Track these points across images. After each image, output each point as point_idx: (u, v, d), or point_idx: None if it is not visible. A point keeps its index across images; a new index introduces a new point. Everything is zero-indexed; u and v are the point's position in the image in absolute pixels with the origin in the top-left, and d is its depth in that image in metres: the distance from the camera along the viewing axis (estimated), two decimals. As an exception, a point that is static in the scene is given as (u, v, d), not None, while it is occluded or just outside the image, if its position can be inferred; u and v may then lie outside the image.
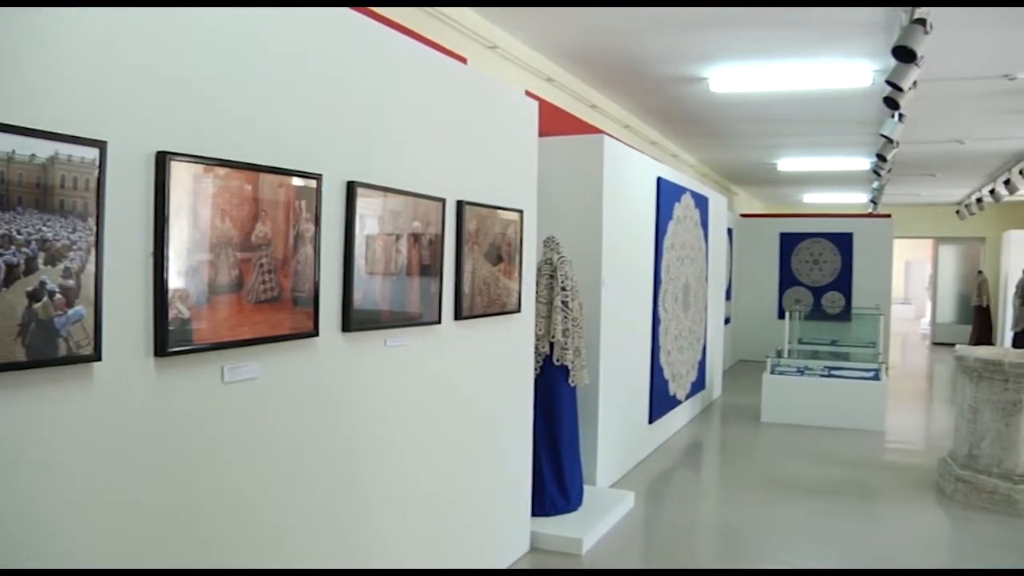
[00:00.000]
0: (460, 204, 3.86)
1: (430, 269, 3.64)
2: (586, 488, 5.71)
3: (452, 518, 4.02)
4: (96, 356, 2.13)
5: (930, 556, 5.30)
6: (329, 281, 3.04)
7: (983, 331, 17.52)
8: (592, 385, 6.01)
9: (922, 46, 5.32)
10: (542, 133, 5.03)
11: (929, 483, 6.77)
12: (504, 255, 4.29)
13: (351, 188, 3.11)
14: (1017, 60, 7.21)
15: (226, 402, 2.62)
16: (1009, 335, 15.64)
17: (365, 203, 3.18)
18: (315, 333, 2.95)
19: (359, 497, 3.29)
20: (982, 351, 6.64)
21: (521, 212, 4.48)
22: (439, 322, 3.75)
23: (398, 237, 3.42)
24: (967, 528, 5.81)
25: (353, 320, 3.15)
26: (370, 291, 3.26)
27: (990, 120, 9.90)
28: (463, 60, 5.52)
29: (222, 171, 2.51)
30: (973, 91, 8.36)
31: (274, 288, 2.74)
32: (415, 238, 3.53)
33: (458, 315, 3.89)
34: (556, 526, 5.14)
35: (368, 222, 3.22)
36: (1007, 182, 12.84)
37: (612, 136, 6.97)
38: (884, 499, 6.54)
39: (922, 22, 5.26)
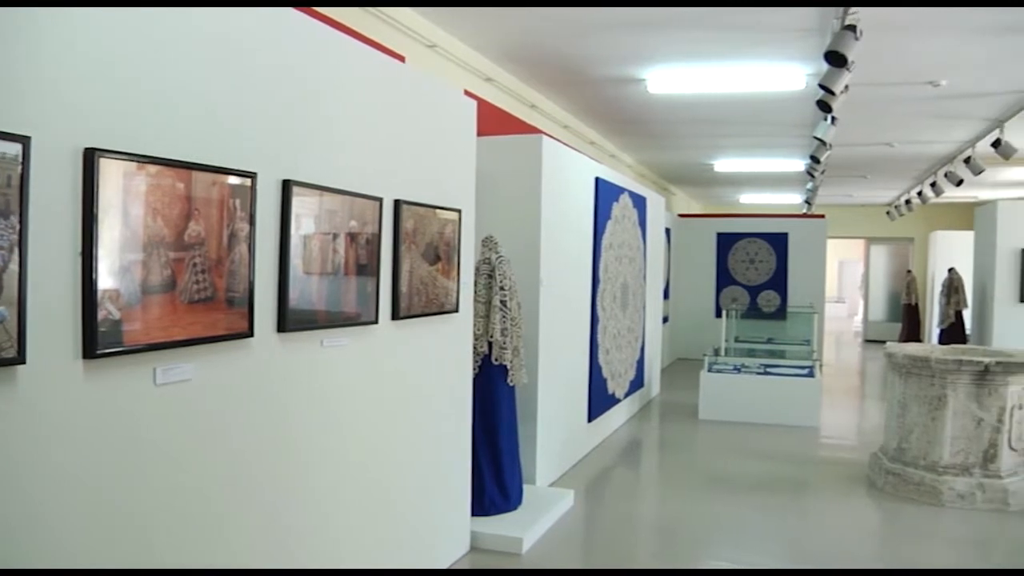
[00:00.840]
0: (397, 203, 3.84)
1: (367, 269, 3.62)
2: (526, 487, 5.73)
3: (391, 519, 4.00)
4: (20, 359, 2.07)
5: (862, 547, 5.45)
6: (264, 281, 3.00)
7: (912, 328, 18.00)
8: (531, 384, 6.03)
9: (853, 51, 5.46)
10: (481, 133, 5.04)
11: (861, 477, 6.95)
12: (442, 255, 4.29)
13: (286, 187, 3.08)
14: (941, 68, 7.44)
15: (159, 405, 2.57)
16: (936, 332, 16.10)
17: (301, 202, 3.15)
18: (250, 333, 2.91)
19: (298, 498, 3.26)
20: (910, 348, 6.83)
21: (459, 211, 4.48)
22: (376, 322, 3.73)
23: (335, 236, 3.40)
24: (896, 519, 5.98)
25: (289, 320, 3.12)
26: (306, 291, 3.23)
27: (917, 124, 10.19)
28: (402, 59, 5.48)
29: (153, 169, 2.46)
30: (901, 96, 8.60)
31: (208, 288, 2.71)
32: (352, 237, 3.50)
33: (395, 315, 3.88)
34: (496, 525, 5.15)
35: (304, 221, 3.19)
36: (933, 184, 13.21)
37: (551, 136, 7.00)
38: (818, 493, 6.68)
39: (852, 28, 5.40)
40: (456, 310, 4.52)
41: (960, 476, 6.23)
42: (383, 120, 3.82)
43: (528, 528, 5.15)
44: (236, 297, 2.83)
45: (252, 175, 2.87)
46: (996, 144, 9.27)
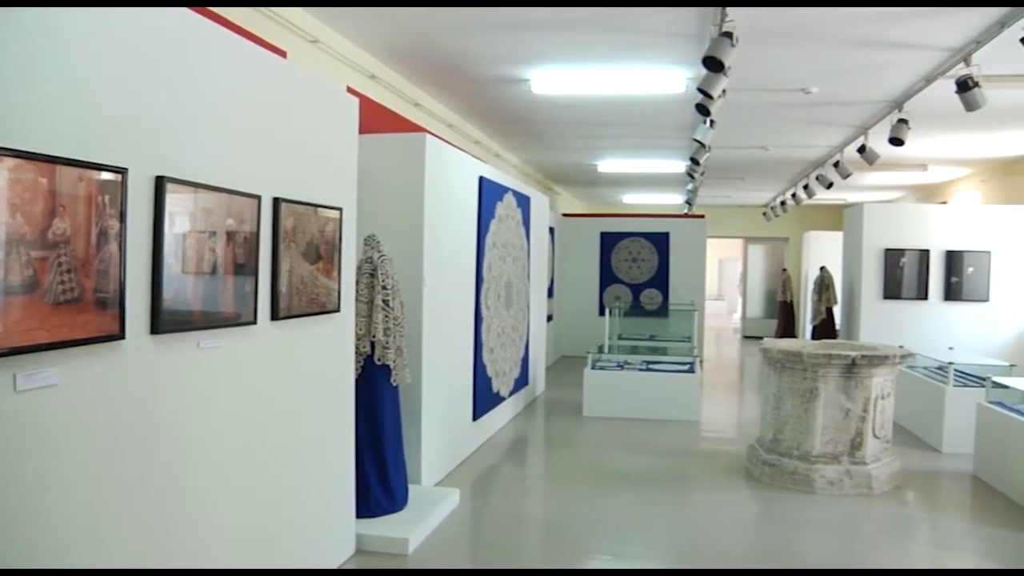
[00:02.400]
0: (277, 201, 3.77)
1: (245, 268, 3.54)
2: (411, 487, 5.71)
3: (273, 523, 3.92)
4: None
5: (740, 535, 5.66)
6: (136, 281, 2.90)
7: (787, 324, 18.73)
8: (415, 384, 6.01)
9: (730, 57, 5.65)
10: (364, 130, 4.99)
11: (739, 468, 7.19)
12: (323, 253, 4.23)
13: (160, 183, 2.98)
14: (811, 76, 7.78)
15: (20, 412, 2.45)
16: (809, 328, 16.77)
17: (175, 199, 3.06)
18: (121, 335, 2.81)
19: (175, 505, 3.16)
20: (784, 343, 7.11)
21: (341, 210, 4.43)
22: (255, 322, 3.65)
23: (211, 235, 3.31)
24: (772, 507, 6.22)
25: (163, 321, 3.02)
26: (182, 291, 3.14)
27: (790, 129, 10.60)
28: (283, 54, 5.38)
29: (11, 162, 2.34)
30: (775, 102, 8.93)
31: (75, 288, 2.59)
32: (229, 236, 3.42)
33: (275, 315, 3.80)
34: (382, 527, 5.13)
35: (179, 219, 3.10)
36: (806, 187, 13.77)
37: (435, 135, 6.99)
38: (699, 485, 6.88)
39: (729, 35, 5.59)
40: (338, 310, 4.46)
41: (830, 464, 6.53)
42: (262, 116, 3.74)
43: (414, 528, 5.13)
44: (106, 298, 2.73)
45: (123, 170, 2.77)
46: (862, 150, 9.72)
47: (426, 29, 6.58)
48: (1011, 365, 8.64)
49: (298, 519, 4.19)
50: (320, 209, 4.20)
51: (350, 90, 5.83)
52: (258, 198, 3.61)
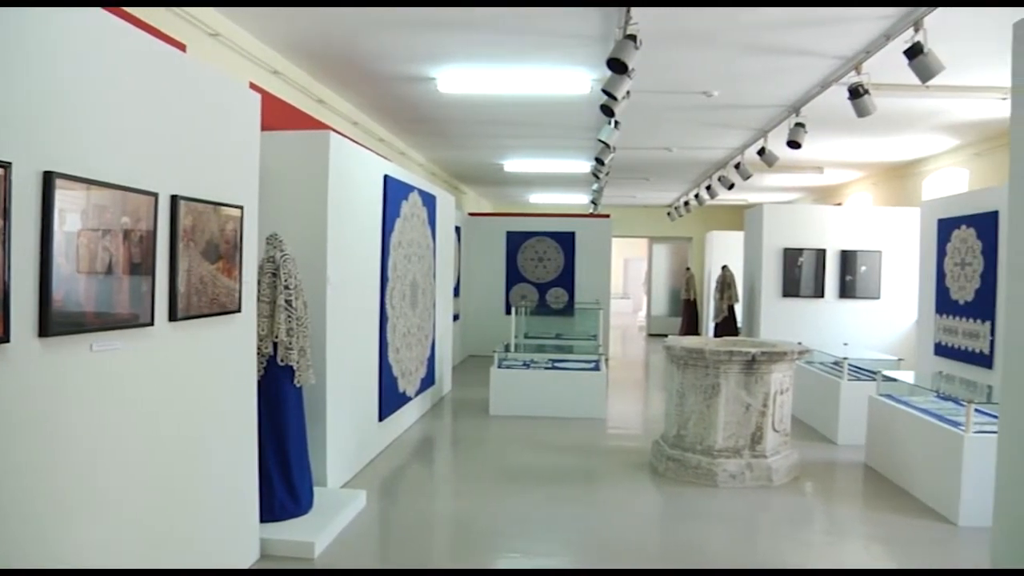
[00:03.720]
0: (175, 199, 3.64)
1: (141, 268, 3.41)
2: (317, 490, 5.63)
3: (175, 529, 3.79)
4: None
5: (646, 529, 5.73)
6: (22, 281, 2.75)
7: (691, 322, 19.11)
8: (319, 385, 5.92)
9: (633, 60, 5.73)
10: (266, 127, 4.87)
11: (645, 463, 7.30)
12: (223, 253, 4.11)
13: (48, 179, 2.84)
14: (713, 80, 7.94)
15: None
16: (712, 325, 17.15)
17: (65, 196, 2.92)
18: (5, 339, 2.66)
19: (69, 512, 3.01)
20: (687, 341, 7.24)
21: (242, 208, 4.31)
22: (152, 324, 3.52)
23: (105, 233, 3.17)
24: (677, 501, 6.33)
25: (52, 323, 2.88)
26: (73, 292, 3.00)
27: (693, 131, 10.81)
28: (182, 47, 5.23)
29: None
30: (679, 104, 9.09)
31: (-46, 289, 2.45)
32: (125, 234, 3.29)
33: (173, 316, 3.67)
34: (287, 531, 5.03)
35: (70, 217, 2.96)
36: (709, 188, 14.06)
37: (339, 133, 6.88)
38: (606, 482, 6.95)
39: (633, 38, 5.66)
40: (239, 310, 4.35)
41: (732, 458, 6.69)
42: (160, 112, 3.60)
43: (320, 532, 5.05)
44: (-11, 299, 2.58)
45: (5, 165, 2.63)
46: (761, 152, 9.98)
47: (330, 25, 6.48)
48: (900, 359, 9.01)
49: (200, 524, 4.06)
50: (220, 207, 4.07)
51: (252, 86, 5.71)
52: (155, 195, 3.48)
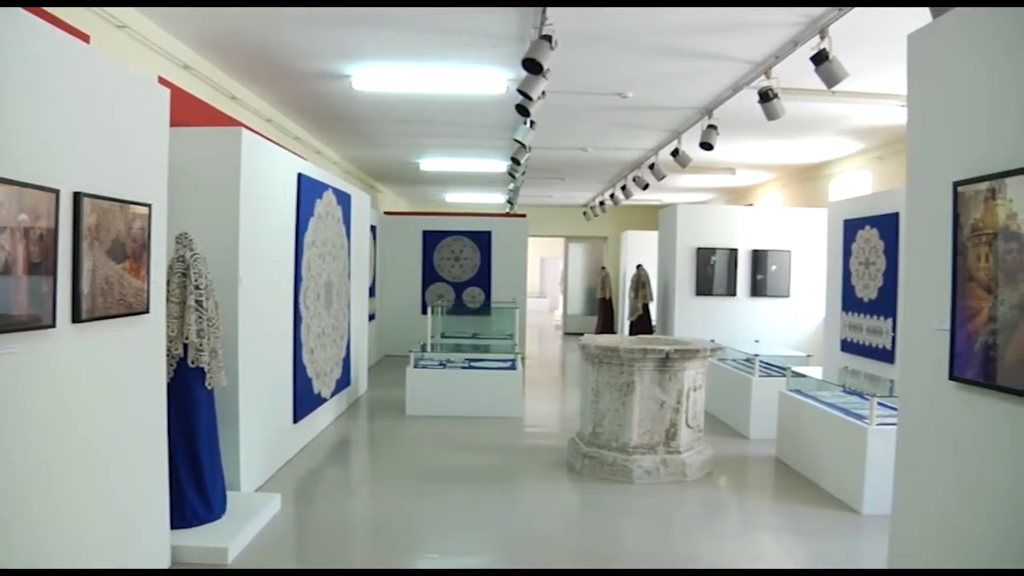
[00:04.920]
0: (77, 196, 3.51)
1: (41, 267, 3.27)
2: (230, 494, 5.51)
3: (80, 537, 3.65)
4: None
5: (564, 527, 5.77)
6: (-88, 281, 2.62)
7: (607, 321, 19.30)
8: (232, 387, 5.79)
9: (548, 60, 5.76)
10: (176, 123, 4.74)
11: (561, 461, 7.35)
12: (130, 252, 3.98)
13: (-61, 175, 2.71)
14: (627, 81, 8.04)
15: None
16: (627, 324, 17.36)
17: (-41, 192, 2.79)
18: None
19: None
20: (602, 339, 7.31)
21: (149, 206, 4.18)
22: (54, 325, 3.38)
23: (1, 231, 3.03)
24: (593, 498, 6.39)
25: (-55, 326, 2.75)
26: (-33, 292, 2.86)
27: (608, 132, 10.92)
28: (85, 37, 5.05)
29: None
30: (594, 105, 9.17)
31: None
32: (23, 232, 3.15)
33: (76, 317, 3.54)
34: (199, 537, 4.92)
35: (-37, 214, 2.83)
36: (624, 188, 14.23)
37: (252, 130, 6.75)
38: (523, 480, 6.97)
39: (548, 38, 5.69)
40: (147, 311, 4.22)
41: (647, 455, 6.78)
42: (60, 105, 3.46)
43: (233, 537, 4.95)
44: None
45: None
46: (675, 153, 10.15)
47: (242, 20, 6.34)
48: (808, 356, 9.27)
49: (107, 531, 3.92)
50: (127, 205, 3.95)
51: (161, 80, 5.56)
52: (56, 192, 3.34)
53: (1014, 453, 3.01)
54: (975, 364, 3.21)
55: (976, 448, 3.26)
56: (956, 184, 3.34)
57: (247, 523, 5.21)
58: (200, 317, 5.01)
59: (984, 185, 3.15)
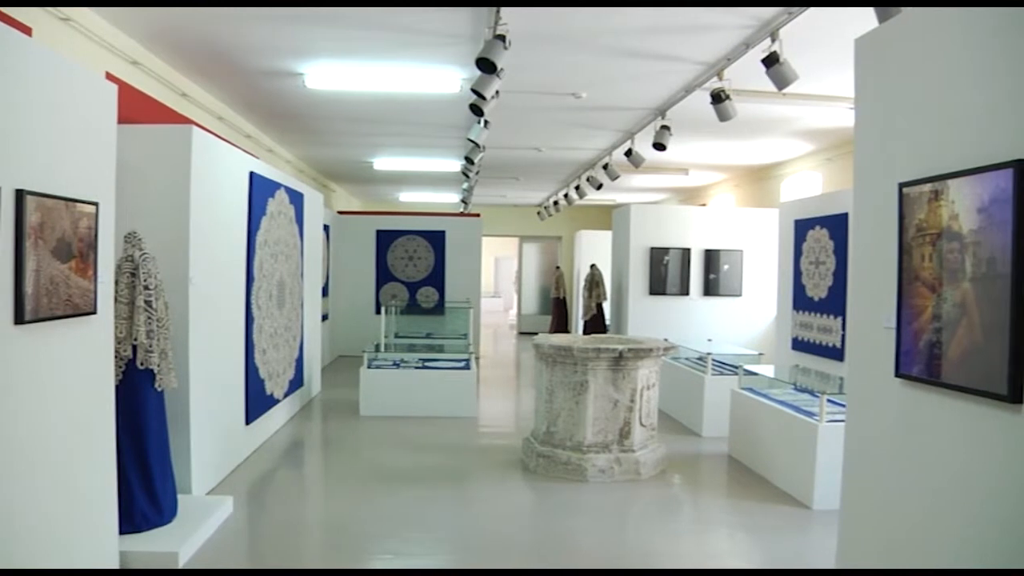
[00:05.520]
0: (20, 193, 3.43)
1: (-16, 267, 3.20)
2: (181, 497, 5.44)
3: (24, 546, 3.57)
4: None
5: (519, 526, 5.78)
6: None
7: (561, 320, 19.38)
8: (182, 388, 5.71)
9: (502, 60, 5.76)
10: (124, 120, 4.65)
11: (516, 461, 7.36)
12: (77, 251, 3.91)
13: None
14: (581, 82, 8.07)
15: None
16: (581, 323, 17.44)
17: None
18: None
19: None
20: (556, 339, 7.33)
21: (96, 204, 4.10)
22: (-3, 327, 3.31)
23: (-58, 230, 2.96)
24: (548, 497, 6.41)
25: None
26: (-95, 293, 2.79)
27: (562, 132, 10.95)
28: (27, 30, 4.94)
29: None
30: (548, 105, 9.19)
31: None
32: (-35, 232, 3.08)
33: (19, 319, 3.46)
34: (149, 542, 4.86)
35: (-99, 213, 2.75)
36: (578, 188, 14.28)
37: (203, 127, 6.66)
38: (478, 480, 6.97)
39: (502, 38, 5.69)
40: (94, 312, 4.14)
41: (601, 453, 6.82)
42: (2, 101, 3.39)
43: (184, 541, 4.89)
44: None
45: None
46: (628, 153, 10.20)
47: (192, 16, 6.23)
48: (760, 354, 9.39)
49: (52, 537, 3.84)
50: (73, 203, 3.87)
51: (109, 76, 5.47)
52: (-1, 190, 3.27)
53: (957, 448, 3.08)
54: (920, 361, 3.28)
55: (921, 444, 3.32)
56: (901, 185, 3.40)
57: (199, 527, 5.15)
58: (150, 318, 4.94)
59: (928, 187, 3.22)
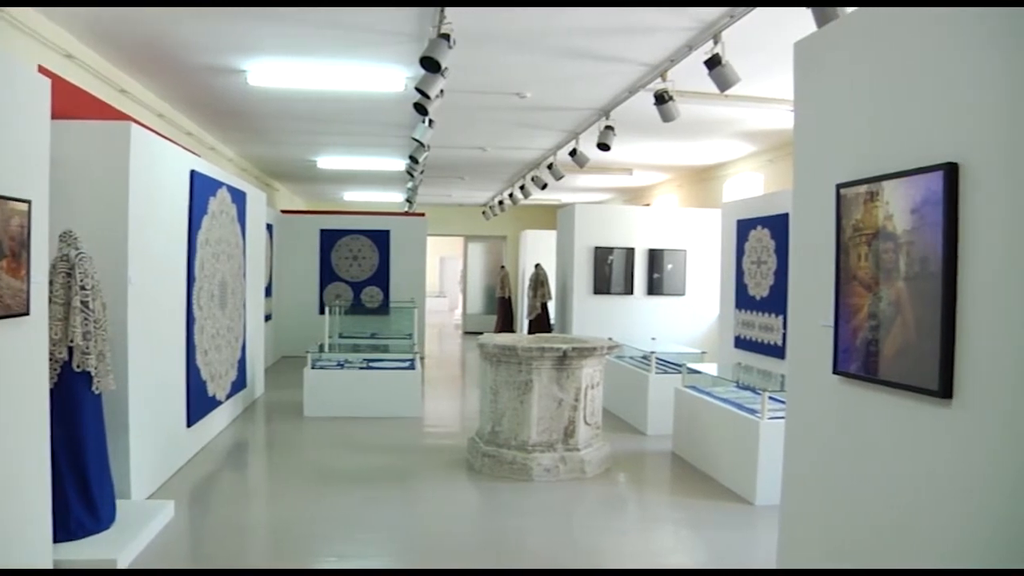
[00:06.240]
0: (-50, 192, 3.35)
1: (-88, 267, 3.10)
2: (120, 503, 5.33)
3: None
4: None
5: (464, 526, 5.78)
6: None
7: (506, 320, 19.40)
8: (121, 391, 5.59)
9: (447, 59, 5.75)
10: (59, 116, 4.55)
11: (461, 461, 7.36)
12: (8, 250, 3.80)
13: None
14: (526, 81, 8.08)
15: None
16: (525, 323, 17.48)
17: None
18: None
19: None
20: (500, 338, 7.34)
21: (29, 202, 4.00)
22: (-75, 329, 3.21)
23: None
24: (493, 497, 6.42)
25: None
26: None
27: (507, 131, 10.96)
28: (-45, 24, 4.80)
29: None
30: (493, 104, 9.19)
31: None
32: None
33: (-50, 320, 3.37)
34: (86, 549, 4.74)
35: None
36: (523, 187, 14.30)
37: (143, 124, 6.53)
38: (423, 480, 6.95)
39: (447, 37, 5.68)
40: (27, 313, 4.03)
41: (546, 452, 6.84)
42: (-70, 95, 3.29)
43: (123, 548, 4.79)
44: None
45: None
46: (573, 153, 10.25)
47: (130, 9, 6.10)
48: (703, 352, 9.51)
49: (-18, 547, 3.74)
50: (3, 201, 3.77)
51: (42, 70, 5.32)
52: (-73, 188, 3.18)
53: (893, 443, 3.15)
54: (857, 359, 3.35)
55: (858, 439, 3.39)
56: (839, 186, 3.47)
57: (138, 532, 5.05)
58: (86, 319, 4.83)
59: (864, 188, 3.29)
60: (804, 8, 4.77)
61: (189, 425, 7.18)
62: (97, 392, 4.99)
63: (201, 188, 7.43)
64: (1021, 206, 2.54)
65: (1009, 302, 2.58)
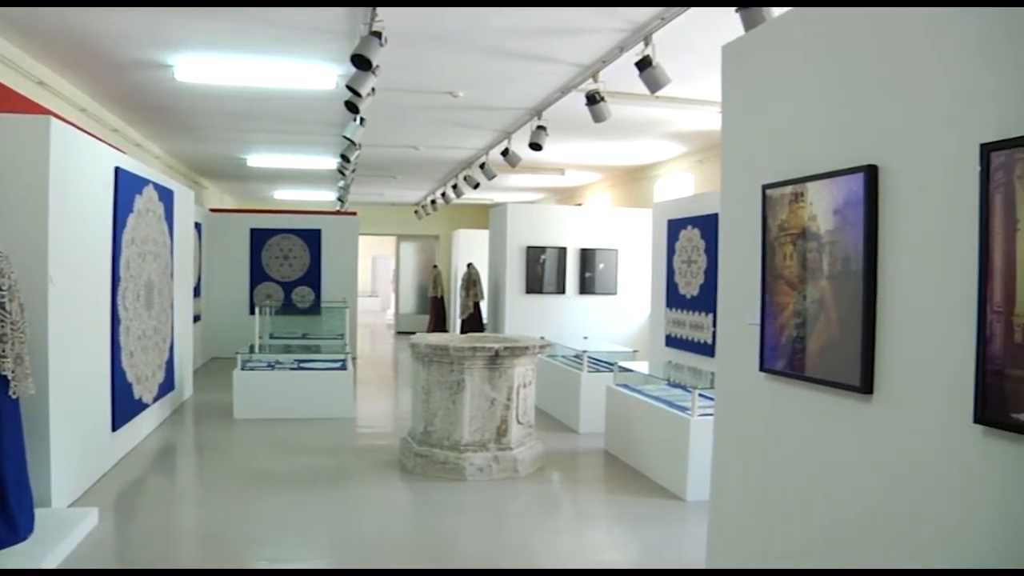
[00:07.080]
0: None
1: None
2: (39, 511, 5.13)
3: None
4: None
5: (397, 526, 5.75)
6: None
7: (439, 319, 19.37)
8: (40, 395, 5.40)
9: (378, 57, 5.72)
10: (-28, 111, 4.40)
11: (394, 461, 7.32)
12: (-79, 251, 3.67)
13: None
14: (458, 81, 8.09)
15: None
16: (458, 322, 17.46)
17: None
18: None
19: None
20: (432, 338, 7.33)
21: (-56, 201, 3.87)
22: None
23: None
24: (426, 496, 6.39)
25: None
26: None
27: (439, 131, 10.95)
28: None
29: None
30: (425, 103, 9.17)
31: None
32: None
33: None
34: (2, 562, 4.55)
35: None
36: (455, 186, 14.29)
37: (63, 119, 6.34)
38: (355, 481, 6.90)
39: (378, 35, 5.65)
40: (-58, 315, 3.90)
41: (478, 452, 6.84)
42: None
43: (43, 559, 4.62)
44: None
45: None
46: (505, 153, 10.27)
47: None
48: (635, 351, 9.62)
49: None
50: (-84, 199, 3.64)
51: (-46, 64, 5.14)
52: None
53: (818, 438, 3.22)
54: (783, 356, 3.41)
55: (785, 435, 3.47)
56: (765, 187, 3.53)
57: (59, 542, 4.88)
58: (2, 321, 4.67)
59: (789, 188, 3.36)
60: (731, 9, 4.85)
61: (114, 429, 7.00)
62: (15, 397, 4.81)
63: (126, 186, 7.25)
64: (936, 207, 2.62)
65: (925, 300, 2.66)
